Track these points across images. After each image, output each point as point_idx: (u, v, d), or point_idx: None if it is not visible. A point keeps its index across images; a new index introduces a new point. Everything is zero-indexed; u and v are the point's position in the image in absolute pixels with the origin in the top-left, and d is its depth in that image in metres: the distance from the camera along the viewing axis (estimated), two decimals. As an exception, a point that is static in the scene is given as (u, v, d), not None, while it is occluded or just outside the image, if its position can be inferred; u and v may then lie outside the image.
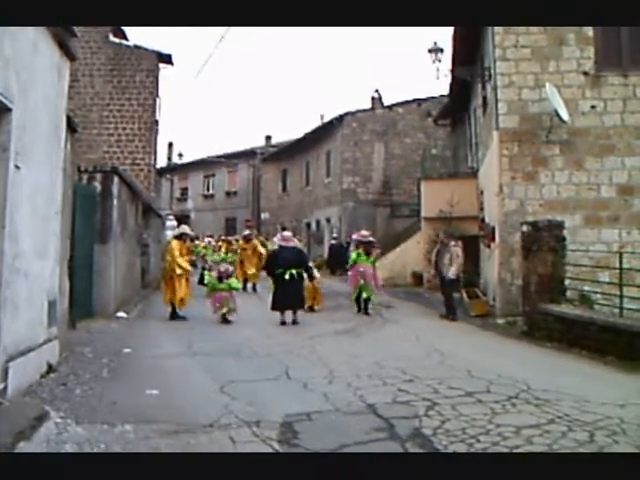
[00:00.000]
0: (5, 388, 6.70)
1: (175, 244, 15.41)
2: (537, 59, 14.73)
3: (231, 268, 15.80)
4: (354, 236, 17.94)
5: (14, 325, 7.05)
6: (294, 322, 14.40)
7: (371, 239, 17.13)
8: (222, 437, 5.95)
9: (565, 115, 13.96)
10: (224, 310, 14.60)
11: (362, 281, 16.06)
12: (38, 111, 7.88)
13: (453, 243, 15.73)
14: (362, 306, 16.13)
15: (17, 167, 6.96)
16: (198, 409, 6.97)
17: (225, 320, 14.53)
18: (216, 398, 7.47)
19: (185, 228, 16.36)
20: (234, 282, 15.26)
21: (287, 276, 14.53)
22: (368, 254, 16.43)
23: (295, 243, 16.47)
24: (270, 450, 5.58)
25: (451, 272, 15.26)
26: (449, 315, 15.22)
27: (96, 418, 6.51)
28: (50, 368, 8.44)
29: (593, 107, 14.52)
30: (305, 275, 15.16)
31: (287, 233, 16.64)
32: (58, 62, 8.77)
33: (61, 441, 5.73)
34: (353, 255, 16.83)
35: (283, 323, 14.29)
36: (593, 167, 14.50)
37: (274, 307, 14.61)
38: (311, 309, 16.28)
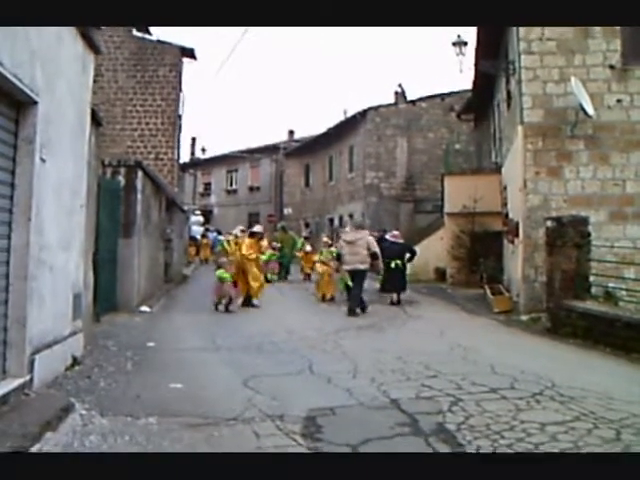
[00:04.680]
0: (31, 380, 6.76)
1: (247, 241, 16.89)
2: (562, 52, 14.57)
3: (225, 260, 16.43)
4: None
5: (40, 317, 7.10)
6: (398, 302, 17.08)
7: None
8: (245, 430, 5.96)
9: (590, 109, 13.82)
10: (222, 301, 15.46)
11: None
12: (63, 104, 7.93)
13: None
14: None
15: (42, 160, 7.01)
16: (221, 403, 6.99)
17: (216, 307, 15.52)
18: (239, 392, 7.48)
19: (256, 228, 18.07)
20: (222, 272, 15.76)
21: (392, 265, 16.84)
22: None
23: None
24: (293, 443, 5.59)
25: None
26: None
27: (120, 410, 6.55)
28: (75, 361, 8.50)
29: (619, 101, 14.35)
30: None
31: (396, 232, 19.01)
32: (82, 55, 8.81)
33: (86, 432, 5.77)
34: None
35: (392, 303, 17.05)
36: (618, 162, 14.34)
37: (382, 289, 17.75)
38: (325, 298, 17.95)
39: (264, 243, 17.61)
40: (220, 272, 15.68)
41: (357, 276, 15.40)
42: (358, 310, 15.02)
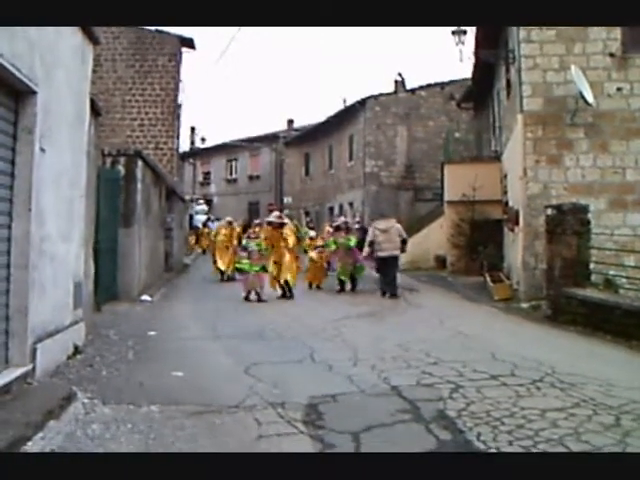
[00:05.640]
0: (34, 369, 6.79)
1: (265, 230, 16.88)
2: (562, 41, 14.54)
3: (253, 249, 16.37)
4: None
5: (41, 307, 7.13)
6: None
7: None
8: (247, 418, 5.98)
9: (590, 98, 13.79)
10: (252, 292, 15.64)
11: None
12: (62, 94, 7.92)
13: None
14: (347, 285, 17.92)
15: (42, 150, 7.01)
16: (223, 390, 7.03)
17: (246, 298, 15.60)
18: (241, 380, 7.51)
19: (273, 215, 17.37)
20: (246, 263, 16.13)
21: None
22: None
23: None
24: (295, 431, 5.61)
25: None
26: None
27: (122, 399, 6.58)
28: (76, 350, 8.54)
29: (619, 89, 14.32)
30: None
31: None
32: (81, 45, 8.80)
33: (89, 421, 5.81)
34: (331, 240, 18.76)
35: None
36: (618, 150, 14.33)
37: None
38: (318, 287, 18.44)
39: (286, 231, 16.42)
40: (245, 262, 16.00)
41: (391, 261, 16.31)
42: (400, 291, 16.20)
